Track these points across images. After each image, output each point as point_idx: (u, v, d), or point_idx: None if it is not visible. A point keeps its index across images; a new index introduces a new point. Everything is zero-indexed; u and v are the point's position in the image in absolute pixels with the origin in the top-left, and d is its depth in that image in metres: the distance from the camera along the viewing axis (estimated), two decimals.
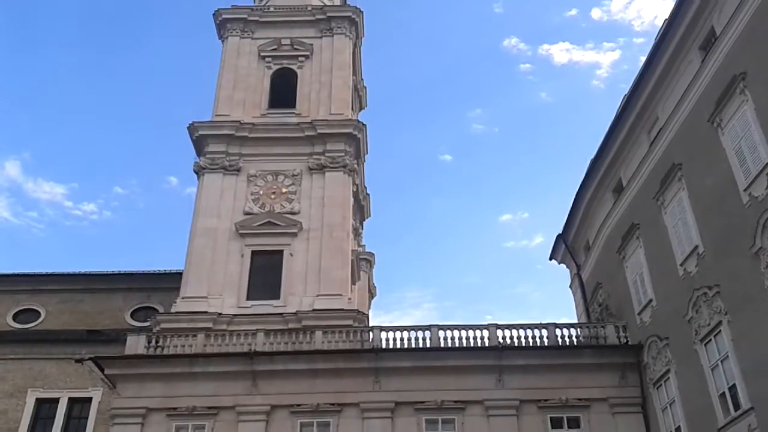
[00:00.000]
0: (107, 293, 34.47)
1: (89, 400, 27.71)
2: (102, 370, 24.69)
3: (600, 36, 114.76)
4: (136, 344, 25.29)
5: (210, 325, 28.55)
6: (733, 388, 18.66)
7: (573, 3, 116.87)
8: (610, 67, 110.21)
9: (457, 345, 25.00)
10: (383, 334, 25.38)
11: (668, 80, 22.53)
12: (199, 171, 34.25)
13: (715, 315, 19.44)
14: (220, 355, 25.03)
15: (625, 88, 28.64)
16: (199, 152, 34.96)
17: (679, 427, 21.51)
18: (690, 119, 21.10)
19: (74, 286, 34.67)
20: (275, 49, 38.38)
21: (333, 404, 23.97)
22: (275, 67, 38.03)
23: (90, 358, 24.66)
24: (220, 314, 29.40)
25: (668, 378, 22.17)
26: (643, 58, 23.64)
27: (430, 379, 24.18)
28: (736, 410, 18.41)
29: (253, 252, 31.92)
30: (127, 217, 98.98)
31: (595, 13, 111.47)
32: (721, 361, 19.22)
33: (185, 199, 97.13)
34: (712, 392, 19.54)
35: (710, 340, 19.78)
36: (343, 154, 34.27)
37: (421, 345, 25.18)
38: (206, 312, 29.40)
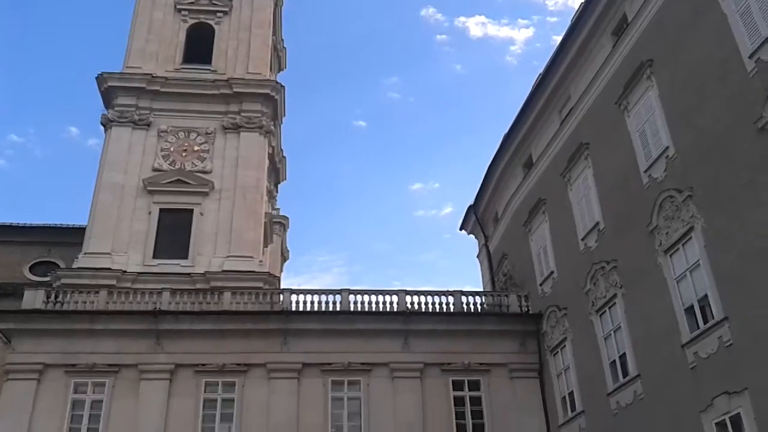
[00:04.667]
0: (4, 246, 32.75)
1: None
2: None
3: (515, 12, 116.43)
4: (33, 299, 24.28)
5: (114, 282, 27.76)
6: (623, 357, 19.92)
7: None
8: (523, 44, 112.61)
9: (366, 309, 25.37)
10: (293, 297, 25.43)
11: (581, 62, 23.36)
12: (106, 124, 32.92)
13: (611, 288, 20.60)
14: (123, 312, 24.41)
15: (538, 65, 29.53)
16: (107, 104, 33.56)
17: (572, 392, 22.82)
18: (599, 101, 22.01)
19: None
20: (192, 3, 37.03)
21: (239, 365, 23.91)
22: (192, 21, 36.76)
23: None
24: (124, 272, 28.61)
25: (564, 346, 23.40)
26: (557, 38, 24.55)
27: (338, 342, 24.49)
28: (624, 377, 19.70)
29: (161, 210, 31.10)
30: (24, 168, 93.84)
31: None
32: (614, 332, 20.46)
33: (87, 151, 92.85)
34: (604, 360, 20.80)
35: (605, 311, 20.98)
36: (259, 114, 33.72)
37: (330, 308, 25.41)
38: (110, 269, 28.53)
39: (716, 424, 15.70)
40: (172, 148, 32.45)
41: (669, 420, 17.39)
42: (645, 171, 19.20)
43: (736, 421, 15.13)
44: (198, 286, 27.93)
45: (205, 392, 23.57)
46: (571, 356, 22.91)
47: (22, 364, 23.24)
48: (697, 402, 16.26)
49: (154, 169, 31.79)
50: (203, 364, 23.80)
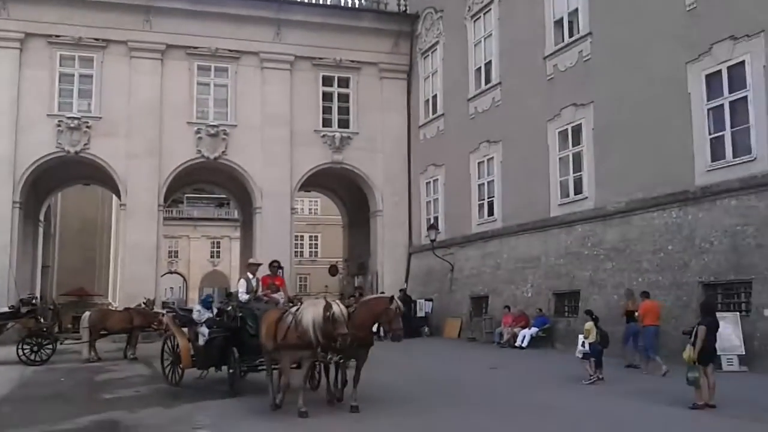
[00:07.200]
0: None
1: None
2: None
3: None
4: None
5: None
6: (488, 65, 20.48)
7: None
8: None
9: None
10: None
11: None
12: None
13: None
14: None
15: None
16: None
17: (435, 95, 23.61)
18: None
19: None
20: None
21: (97, 39, 22.40)
22: None
23: None
24: None
25: (436, 49, 23.56)
26: None
27: (205, 26, 23.20)
28: (486, 84, 20.44)
29: None
30: None
31: None
32: (484, 39, 20.67)
33: None
34: (470, 67, 21.27)
35: (480, 17, 20.93)
36: None
37: None
38: None
39: (559, 132, 17.01)
40: None
41: (518, 125, 18.59)
42: None
43: (577, 130, 16.44)
44: None
45: (60, 66, 22.27)
46: (441, 60, 23.21)
47: None
48: (547, 111, 17.35)
49: None
50: (57, 36, 22.08)
